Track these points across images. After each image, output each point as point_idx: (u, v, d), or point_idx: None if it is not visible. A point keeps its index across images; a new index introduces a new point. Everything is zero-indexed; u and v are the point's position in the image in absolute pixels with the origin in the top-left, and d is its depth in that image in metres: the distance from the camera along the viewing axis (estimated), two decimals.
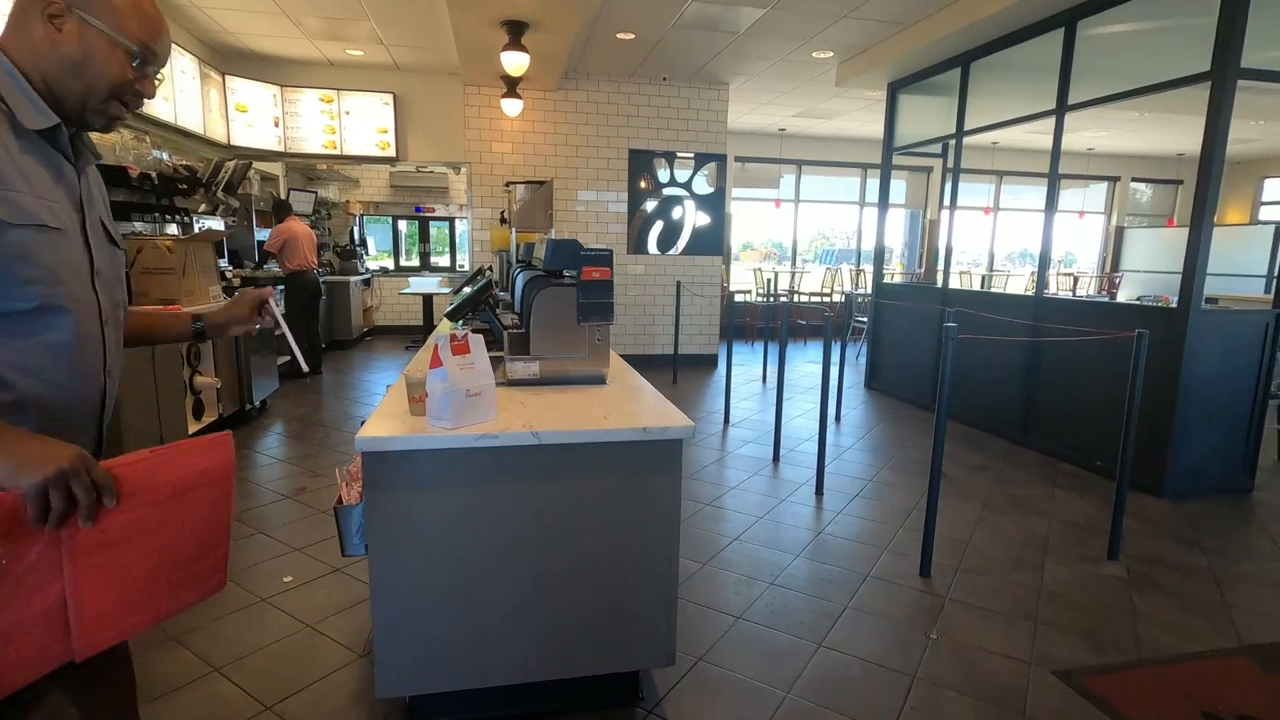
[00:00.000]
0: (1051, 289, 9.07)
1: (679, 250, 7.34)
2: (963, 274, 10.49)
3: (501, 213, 6.79)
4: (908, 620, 2.42)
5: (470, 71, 6.20)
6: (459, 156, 6.89)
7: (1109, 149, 10.24)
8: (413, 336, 8.94)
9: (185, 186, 5.06)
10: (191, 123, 5.44)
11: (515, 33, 4.82)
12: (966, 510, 3.46)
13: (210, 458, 1.00)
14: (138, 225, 4.74)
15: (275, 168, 7.75)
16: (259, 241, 6.57)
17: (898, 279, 10.26)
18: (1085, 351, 4.11)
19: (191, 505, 0.98)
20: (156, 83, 1.05)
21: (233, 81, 6.15)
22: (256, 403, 4.88)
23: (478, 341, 1.65)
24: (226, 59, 6.24)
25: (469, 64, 5.89)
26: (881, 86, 6.18)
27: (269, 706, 1.90)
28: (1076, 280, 10.32)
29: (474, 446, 1.59)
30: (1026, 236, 11.99)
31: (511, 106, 6.21)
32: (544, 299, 2.01)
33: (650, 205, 7.22)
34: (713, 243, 7.40)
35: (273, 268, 6.56)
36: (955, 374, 2.63)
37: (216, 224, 5.91)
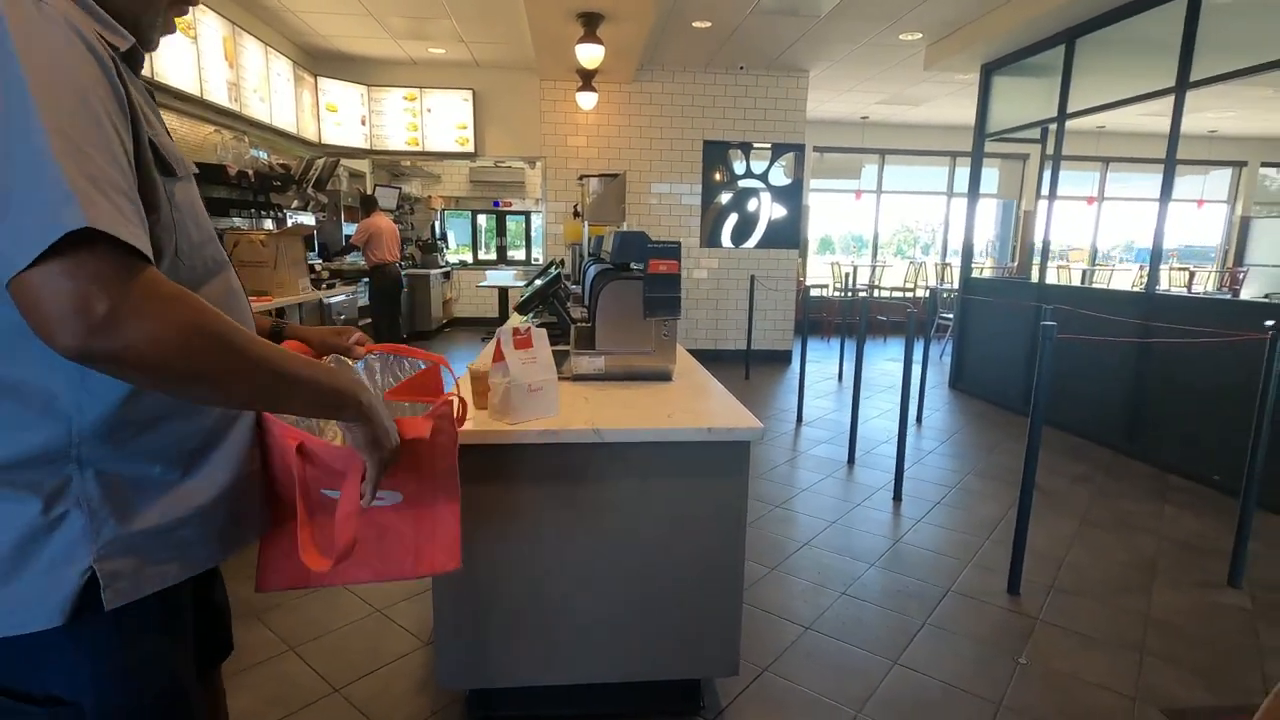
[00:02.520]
0: (1164, 285, 8.33)
1: (754, 244, 7.17)
2: (1061, 268, 9.80)
3: (575, 206, 6.85)
4: (993, 642, 2.25)
5: (546, 66, 6.23)
6: (535, 151, 6.96)
7: (1235, 131, 9.29)
8: (489, 328, 9.14)
9: (279, 183, 5.32)
10: (285, 122, 5.71)
11: (590, 25, 4.81)
12: (1062, 524, 3.20)
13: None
14: (236, 220, 5.02)
15: (362, 164, 8.07)
16: (346, 236, 6.88)
17: (987, 273, 9.70)
18: (1203, 353, 3.72)
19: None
20: None
21: (323, 82, 6.43)
22: None
23: (540, 336, 1.63)
24: (318, 61, 6.52)
25: (545, 58, 5.93)
26: (974, 69, 5.82)
27: (337, 689, 1.94)
28: (1192, 275, 9.45)
29: (535, 443, 1.56)
30: (1135, 228, 11.07)
31: (586, 100, 6.22)
32: (610, 292, 1.96)
33: (725, 197, 7.08)
34: (789, 236, 7.19)
35: (357, 260, 6.84)
36: (1051, 375, 2.41)
37: (307, 219, 6.20)
